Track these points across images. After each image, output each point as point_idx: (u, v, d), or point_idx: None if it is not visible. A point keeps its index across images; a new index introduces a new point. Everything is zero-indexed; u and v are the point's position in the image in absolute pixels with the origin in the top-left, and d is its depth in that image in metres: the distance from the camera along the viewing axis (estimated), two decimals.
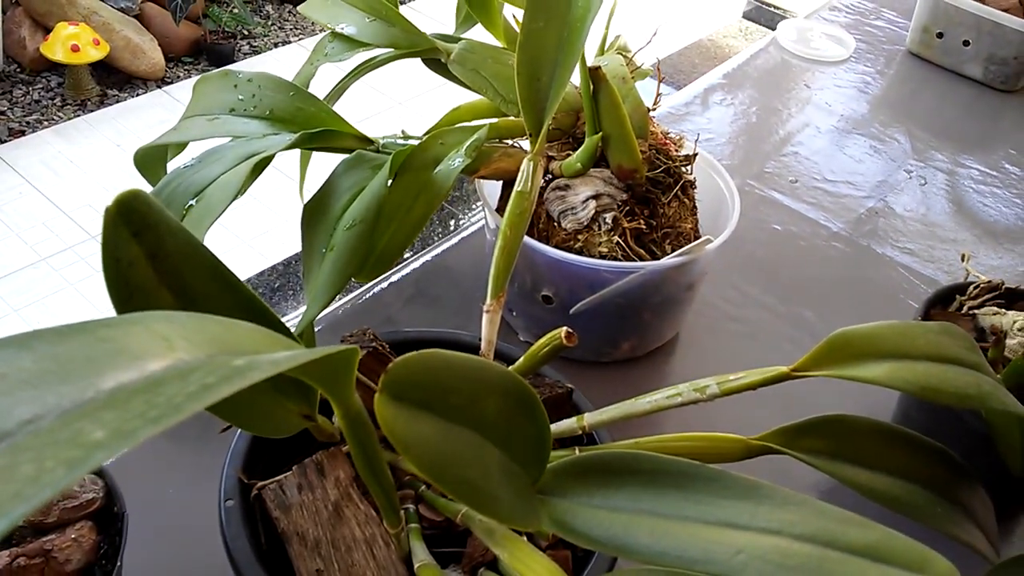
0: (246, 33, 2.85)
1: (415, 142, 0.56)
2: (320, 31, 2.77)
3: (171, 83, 2.59)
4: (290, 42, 2.87)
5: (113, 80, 2.55)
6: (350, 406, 0.33)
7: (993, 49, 1.10)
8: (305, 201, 0.52)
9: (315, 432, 0.41)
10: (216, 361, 0.21)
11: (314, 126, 0.54)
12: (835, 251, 0.84)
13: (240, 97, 0.55)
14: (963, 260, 0.68)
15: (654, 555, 0.31)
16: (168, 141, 0.55)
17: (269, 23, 2.92)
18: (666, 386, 0.44)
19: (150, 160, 0.57)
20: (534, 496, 0.34)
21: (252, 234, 2.05)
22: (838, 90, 1.10)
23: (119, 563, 0.41)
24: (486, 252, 0.73)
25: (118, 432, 0.18)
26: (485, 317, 0.48)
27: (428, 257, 0.77)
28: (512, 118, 0.63)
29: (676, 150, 0.66)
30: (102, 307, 1.80)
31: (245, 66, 2.52)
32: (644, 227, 0.62)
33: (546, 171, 0.63)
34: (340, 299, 0.71)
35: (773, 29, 1.22)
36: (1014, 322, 0.58)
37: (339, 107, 0.57)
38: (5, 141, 2.30)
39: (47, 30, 2.46)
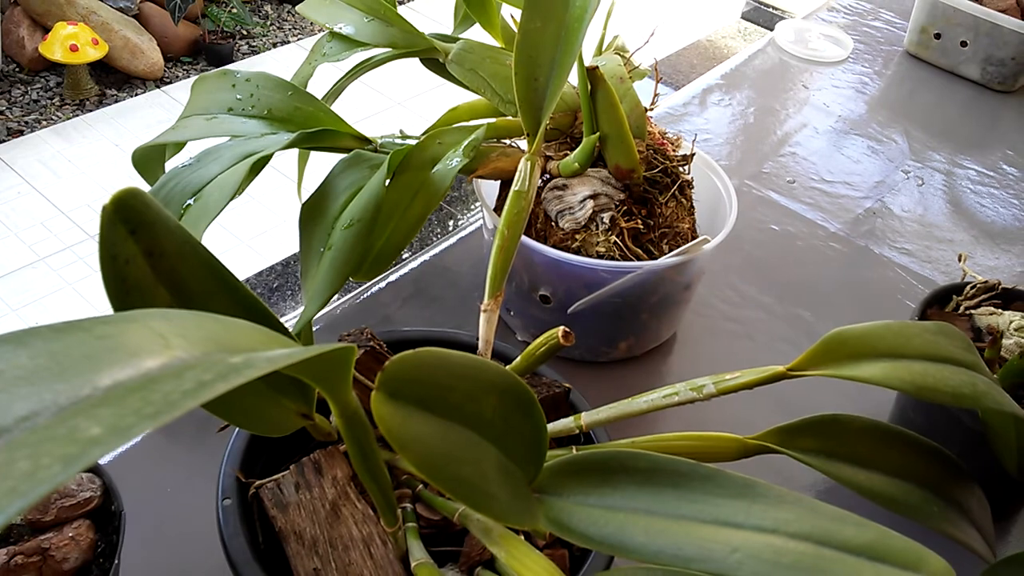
0: (245, 33, 2.85)
1: (413, 142, 0.56)
2: (319, 31, 2.78)
3: (170, 83, 2.59)
4: (289, 42, 2.87)
5: (112, 80, 2.55)
6: (347, 404, 0.33)
7: (991, 50, 1.11)
8: (303, 200, 0.52)
9: (313, 431, 0.41)
10: (213, 358, 0.22)
11: (312, 126, 0.54)
12: (832, 251, 0.84)
13: (238, 97, 0.55)
14: (960, 260, 0.68)
15: (650, 554, 0.31)
16: (166, 140, 0.55)
17: (268, 23, 2.92)
18: (663, 385, 0.44)
19: (148, 159, 0.57)
20: (531, 495, 0.34)
21: (250, 234, 2.05)
22: (836, 91, 1.10)
23: (116, 561, 0.41)
24: (484, 252, 0.73)
25: (114, 428, 0.18)
26: (483, 316, 0.48)
27: (426, 257, 0.77)
28: (510, 118, 0.63)
29: (674, 150, 0.66)
30: (101, 307, 1.80)
31: (244, 66, 2.53)
32: (642, 227, 0.62)
33: (544, 171, 0.63)
34: (338, 299, 0.72)
35: (771, 30, 1.22)
36: (1010, 322, 0.58)
37: (337, 107, 0.58)
38: (4, 141, 2.30)
39: (46, 30, 2.46)
